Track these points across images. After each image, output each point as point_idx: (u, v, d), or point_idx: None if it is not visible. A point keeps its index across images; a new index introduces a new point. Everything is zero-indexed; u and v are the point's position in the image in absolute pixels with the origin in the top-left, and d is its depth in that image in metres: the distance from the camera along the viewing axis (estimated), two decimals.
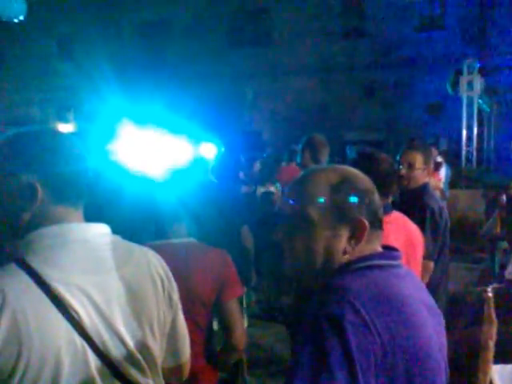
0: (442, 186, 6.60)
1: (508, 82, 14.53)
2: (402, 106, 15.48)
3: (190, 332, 1.47)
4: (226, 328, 2.06)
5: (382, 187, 2.26)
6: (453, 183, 9.25)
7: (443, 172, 7.51)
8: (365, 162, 2.33)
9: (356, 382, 0.93)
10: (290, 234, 1.16)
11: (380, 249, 1.17)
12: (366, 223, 1.12)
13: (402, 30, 15.44)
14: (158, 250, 1.40)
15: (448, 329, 3.07)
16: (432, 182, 6.47)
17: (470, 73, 11.43)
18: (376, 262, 1.12)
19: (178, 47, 16.90)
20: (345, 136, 14.77)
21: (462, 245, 7.26)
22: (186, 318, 1.43)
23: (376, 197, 1.18)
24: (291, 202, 1.17)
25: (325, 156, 3.48)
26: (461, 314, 3.33)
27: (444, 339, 1.18)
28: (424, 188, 3.09)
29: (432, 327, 1.12)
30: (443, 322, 1.22)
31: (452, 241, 8.63)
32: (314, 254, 1.14)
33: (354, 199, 1.13)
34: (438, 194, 6.50)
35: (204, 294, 2.00)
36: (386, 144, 13.41)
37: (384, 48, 15.54)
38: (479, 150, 12.91)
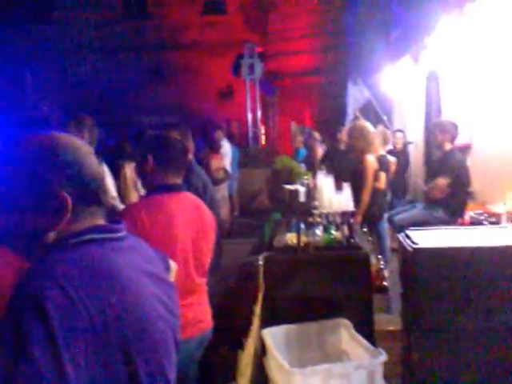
0: (223, 165, 6.91)
1: (289, 67, 15.81)
2: (194, 89, 15.72)
3: None
4: None
5: (174, 167, 2.30)
6: (243, 163, 9.78)
7: (228, 153, 7.88)
8: (155, 144, 2.34)
9: (60, 364, 0.89)
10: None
11: (100, 222, 1.12)
12: (67, 198, 1.05)
13: (186, 12, 15.61)
14: None
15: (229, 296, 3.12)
16: (213, 162, 6.78)
17: (251, 57, 12.08)
18: (90, 236, 1.07)
19: None
20: (135, 119, 14.41)
21: (254, 220, 7.72)
22: None
23: (88, 169, 1.10)
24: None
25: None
26: (237, 282, 3.50)
27: (176, 310, 1.18)
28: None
29: (157, 299, 1.11)
30: (174, 292, 1.21)
31: (244, 217, 9.05)
32: (20, 231, 1.08)
33: (53, 171, 1.06)
34: (221, 173, 6.83)
35: None
36: (179, 128, 13.49)
37: (170, 30, 15.55)
38: (266, 131, 13.81)
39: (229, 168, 7.48)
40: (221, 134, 7.98)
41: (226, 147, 7.82)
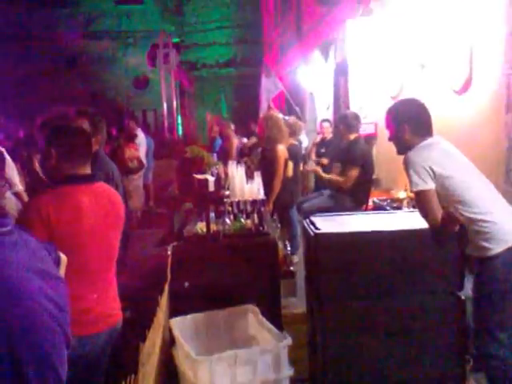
0: (138, 155, 6.81)
1: (204, 58, 15.76)
2: (109, 79, 15.29)
3: None
4: None
5: (78, 157, 2.21)
6: (159, 154, 9.65)
7: (143, 143, 7.78)
8: (57, 134, 2.27)
9: None
10: None
11: None
12: None
13: (102, 2, 15.17)
14: None
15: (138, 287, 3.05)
16: (127, 151, 6.65)
17: (165, 46, 11.93)
18: None
19: None
20: (48, 110, 13.71)
21: (167, 211, 7.62)
22: None
23: None
24: None
25: None
26: (145, 272, 3.45)
27: (63, 303, 1.16)
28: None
29: (46, 295, 1.09)
30: (62, 287, 1.19)
31: (159, 207, 8.90)
32: None
33: None
34: (135, 162, 6.71)
35: None
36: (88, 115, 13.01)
37: (85, 19, 15.03)
38: (182, 121, 13.68)
39: (143, 158, 7.37)
40: (135, 123, 7.88)
41: (141, 137, 7.70)
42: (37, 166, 4.44)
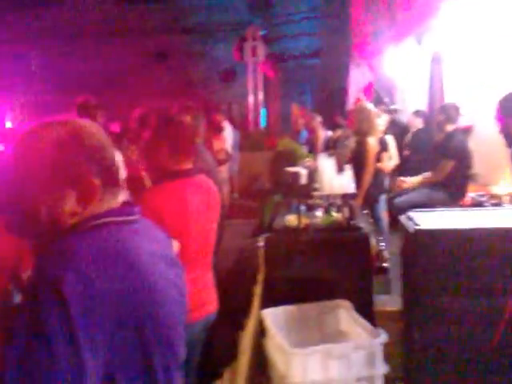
0: (225, 146, 6.93)
1: (289, 49, 15.69)
2: (196, 73, 15.65)
3: None
4: None
5: (186, 152, 2.24)
6: (243, 146, 9.77)
7: (230, 135, 7.91)
8: (166, 126, 2.27)
9: (77, 350, 0.88)
10: (18, 193, 1.08)
11: (117, 205, 1.12)
12: (96, 183, 1.06)
13: None
14: None
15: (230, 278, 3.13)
16: (215, 143, 6.78)
17: (253, 39, 11.99)
18: (108, 219, 1.07)
19: None
20: (138, 103, 14.32)
21: (253, 202, 7.72)
22: None
23: (109, 153, 1.11)
24: (18, 157, 1.08)
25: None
26: (238, 263, 3.51)
27: (184, 289, 1.19)
28: None
29: (170, 282, 1.12)
30: (183, 274, 1.22)
31: (243, 199, 9.06)
32: (39, 216, 1.05)
33: (81, 157, 1.05)
34: (222, 154, 6.84)
35: None
36: (191, 111, 13.39)
37: (174, 14, 15.43)
38: (266, 114, 13.72)
39: (230, 150, 7.51)
40: (222, 116, 8.03)
41: (228, 130, 7.83)
42: (133, 159, 4.62)
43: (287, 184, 3.56)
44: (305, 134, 8.95)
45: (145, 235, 1.13)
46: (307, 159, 4.21)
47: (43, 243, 1.09)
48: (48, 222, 1.06)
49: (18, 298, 2.30)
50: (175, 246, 1.53)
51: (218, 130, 7.07)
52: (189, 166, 2.29)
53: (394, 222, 5.15)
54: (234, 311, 2.64)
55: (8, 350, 0.88)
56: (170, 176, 2.22)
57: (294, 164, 4.02)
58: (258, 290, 2.76)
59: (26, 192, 1.06)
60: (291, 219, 3.48)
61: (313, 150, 6.31)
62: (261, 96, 12.72)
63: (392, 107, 7.33)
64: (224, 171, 7.25)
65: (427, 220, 2.76)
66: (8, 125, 12.41)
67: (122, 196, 1.15)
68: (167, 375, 1.06)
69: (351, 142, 5.12)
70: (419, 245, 2.59)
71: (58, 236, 1.04)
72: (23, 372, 0.86)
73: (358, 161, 4.55)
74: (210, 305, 2.36)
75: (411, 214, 2.87)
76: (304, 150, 4.69)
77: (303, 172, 3.51)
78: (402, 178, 5.10)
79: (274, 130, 13.66)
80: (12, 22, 14.19)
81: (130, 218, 1.11)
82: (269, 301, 3.08)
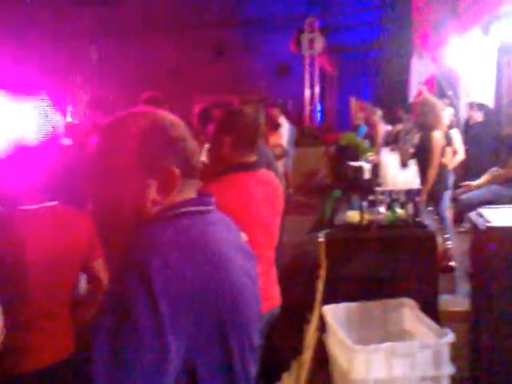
0: (281, 142, 6.89)
1: (347, 41, 15.39)
2: (251, 67, 15.65)
3: None
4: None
5: (249, 145, 2.25)
6: (298, 141, 9.68)
7: (286, 131, 7.85)
8: (230, 119, 2.28)
9: (162, 333, 0.90)
10: (100, 184, 1.11)
11: (194, 196, 1.14)
12: (177, 173, 1.07)
13: None
14: None
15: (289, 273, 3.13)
16: (271, 139, 6.76)
17: (311, 31, 11.82)
18: (187, 208, 1.09)
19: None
20: (194, 97, 14.50)
21: (309, 199, 7.67)
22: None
23: (189, 144, 1.13)
24: (101, 149, 1.11)
25: None
26: (297, 259, 3.50)
27: (257, 280, 1.20)
28: None
29: (245, 272, 1.12)
30: (255, 265, 1.23)
31: (298, 195, 8.99)
32: (121, 206, 1.09)
33: (164, 147, 1.08)
34: (279, 149, 6.82)
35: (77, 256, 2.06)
36: (253, 104, 13.43)
37: (231, 6, 15.47)
38: (322, 108, 13.55)
39: (285, 145, 7.46)
40: (278, 111, 7.97)
41: (286, 126, 7.77)
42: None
43: (349, 179, 3.51)
44: (364, 128, 8.77)
45: (222, 225, 1.14)
46: (369, 154, 4.13)
47: (126, 232, 1.12)
48: (131, 211, 1.08)
49: (84, 286, 2.39)
50: (243, 238, 1.54)
51: (275, 126, 7.04)
52: (253, 158, 2.29)
53: (457, 220, 5.00)
54: (298, 306, 2.64)
55: (98, 332, 0.91)
56: (234, 169, 2.23)
57: (356, 159, 3.96)
58: (320, 285, 2.75)
59: (109, 182, 1.09)
60: (353, 215, 3.44)
61: (372, 145, 6.18)
62: (317, 90, 12.56)
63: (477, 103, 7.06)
64: (279, 167, 7.23)
65: (499, 217, 2.65)
66: (68, 119, 12.89)
67: (198, 187, 1.16)
68: (243, 363, 1.07)
69: (413, 137, 4.99)
70: (491, 243, 2.50)
71: (140, 225, 1.06)
72: (111, 354, 0.89)
73: (422, 156, 4.42)
74: (274, 299, 2.36)
75: (482, 210, 2.76)
76: (367, 144, 4.60)
77: (367, 167, 3.45)
78: (467, 183, 4.91)
79: (330, 124, 13.48)
80: (72, 17, 14.71)
81: (206, 208, 1.13)
82: (329, 297, 3.06)
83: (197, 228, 1.06)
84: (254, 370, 1.14)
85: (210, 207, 1.14)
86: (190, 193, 1.13)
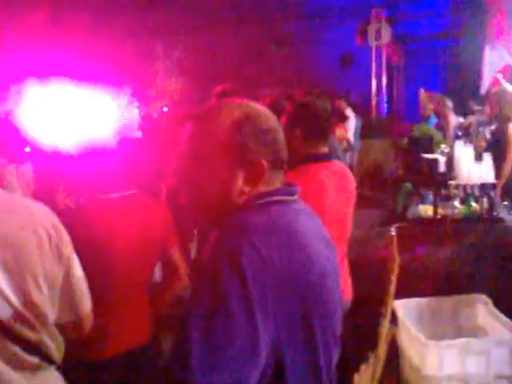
0: (348, 136, 6.81)
1: (415, 30, 14.91)
2: (315, 59, 15.48)
3: None
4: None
5: (321, 136, 2.27)
6: (364, 133, 9.52)
7: (352, 124, 7.75)
8: (303, 113, 2.29)
9: (253, 321, 0.92)
10: (189, 172, 1.13)
11: (279, 186, 1.15)
12: (266, 165, 1.09)
13: None
14: None
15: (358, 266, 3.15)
16: (337, 131, 6.70)
17: (377, 22, 11.59)
18: (274, 198, 1.10)
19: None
20: (257, 90, 14.52)
21: (375, 191, 7.53)
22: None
23: (280, 136, 1.14)
24: (193, 138, 1.13)
25: None
26: (367, 253, 3.48)
27: (337, 271, 1.20)
28: None
29: (329, 261, 1.13)
30: (336, 254, 1.23)
31: (363, 188, 8.88)
32: (210, 194, 1.11)
33: (254, 138, 1.09)
34: (344, 143, 6.75)
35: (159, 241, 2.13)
36: (320, 96, 13.29)
37: (294, 0, 15.36)
38: (389, 99, 13.24)
39: (352, 139, 7.38)
40: (344, 103, 7.89)
41: (352, 120, 7.67)
42: None
43: (423, 172, 3.45)
44: (433, 119, 8.49)
45: (306, 215, 1.15)
46: (443, 146, 4.02)
47: (213, 220, 1.15)
48: (218, 198, 1.10)
49: (158, 274, 2.48)
50: None
51: (341, 118, 6.95)
52: (324, 150, 2.30)
53: None
54: (368, 300, 2.64)
55: (191, 319, 0.94)
56: (306, 160, 2.25)
57: (430, 151, 3.87)
58: (394, 278, 2.73)
59: (199, 168, 1.11)
60: (426, 209, 3.39)
61: (443, 137, 6.00)
62: (384, 81, 12.30)
63: None
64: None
65: None
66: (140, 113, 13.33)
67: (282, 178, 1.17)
68: (326, 350, 1.08)
69: (486, 130, 4.81)
70: None
71: (228, 213, 1.08)
72: (204, 338, 0.91)
73: (497, 148, 4.26)
74: (346, 292, 2.36)
75: None
76: (441, 136, 4.48)
77: (442, 159, 3.38)
78: None
79: (397, 116, 13.16)
80: (138, 16, 15.13)
81: (292, 197, 1.14)
82: (400, 292, 3.04)
83: (286, 216, 1.08)
84: (335, 360, 1.15)
85: (295, 197, 1.16)
86: (277, 183, 1.14)
